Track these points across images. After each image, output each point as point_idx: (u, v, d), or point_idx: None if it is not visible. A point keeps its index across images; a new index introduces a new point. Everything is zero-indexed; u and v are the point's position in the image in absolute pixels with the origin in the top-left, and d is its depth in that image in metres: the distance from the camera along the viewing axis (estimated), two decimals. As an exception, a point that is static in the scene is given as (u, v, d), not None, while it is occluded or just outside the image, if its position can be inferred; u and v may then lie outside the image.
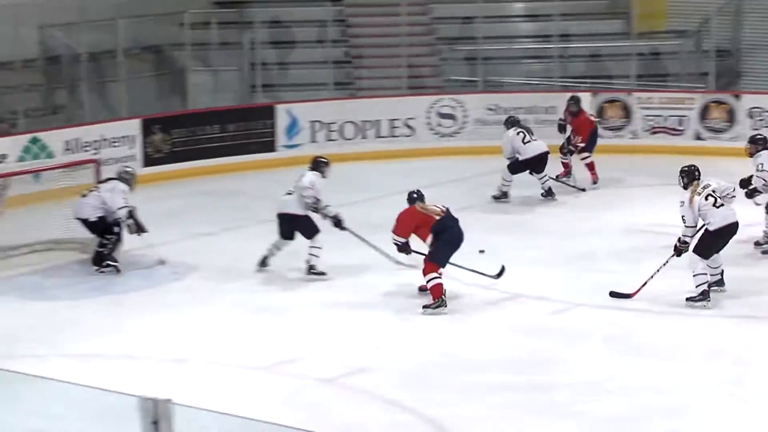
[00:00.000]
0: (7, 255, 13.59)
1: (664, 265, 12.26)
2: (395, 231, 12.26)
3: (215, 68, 19.75)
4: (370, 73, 20.32)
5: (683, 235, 12.12)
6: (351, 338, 11.45)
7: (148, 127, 17.79)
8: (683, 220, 12.07)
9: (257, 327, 11.75)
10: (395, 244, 12.31)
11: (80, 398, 8.95)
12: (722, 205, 12.04)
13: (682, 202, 12.10)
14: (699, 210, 12.01)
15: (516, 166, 16.31)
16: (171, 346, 11.23)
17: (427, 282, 12.01)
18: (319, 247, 13.05)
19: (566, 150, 17.09)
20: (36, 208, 13.88)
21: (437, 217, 12.12)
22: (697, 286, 11.98)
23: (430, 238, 12.09)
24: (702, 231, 12.09)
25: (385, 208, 15.11)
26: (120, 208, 13.12)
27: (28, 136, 16.72)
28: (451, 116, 19.55)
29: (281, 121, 18.90)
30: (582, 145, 17.04)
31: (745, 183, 13.77)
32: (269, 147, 18.79)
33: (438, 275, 12.00)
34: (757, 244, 13.83)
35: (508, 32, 21.39)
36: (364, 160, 18.42)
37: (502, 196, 16.32)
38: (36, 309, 12.31)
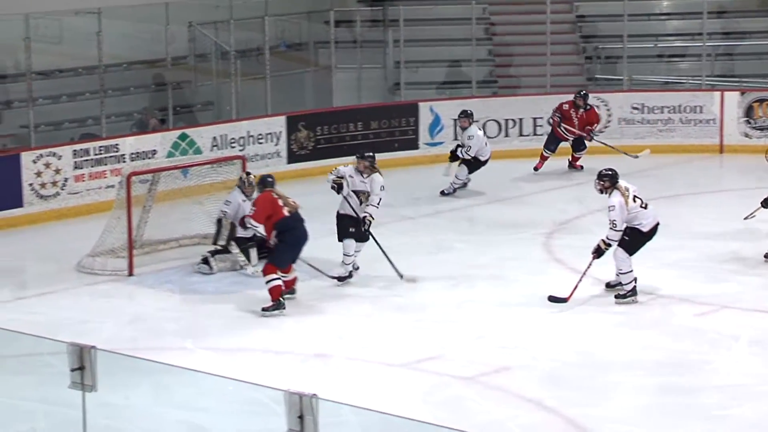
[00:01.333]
0: (156, 249, 13.94)
1: (589, 267, 12.15)
2: (253, 216, 12.08)
3: (359, 66, 19.93)
4: (514, 71, 20.28)
5: (609, 239, 12.07)
6: (490, 337, 11.48)
7: (292, 124, 18.04)
8: (614, 224, 11.98)
9: (397, 324, 11.86)
10: (254, 228, 12.14)
11: (226, 391, 9.17)
12: (647, 205, 12.14)
13: (613, 206, 12.01)
14: (629, 212, 12.01)
15: (474, 166, 16.54)
16: (313, 341, 11.40)
17: (267, 283, 11.89)
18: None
19: (589, 138, 17.64)
20: (183, 203, 14.18)
21: (285, 213, 11.97)
22: (626, 284, 12.09)
23: (273, 235, 11.97)
24: (629, 231, 12.08)
25: (525, 206, 15.18)
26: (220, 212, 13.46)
27: (177, 132, 17.13)
28: (595, 115, 19.40)
29: (424, 118, 18.99)
30: (597, 127, 17.73)
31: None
32: (412, 145, 18.90)
33: (277, 277, 11.91)
34: None
35: (655, 30, 21.15)
36: (506, 159, 18.40)
37: (452, 193, 16.60)
38: (183, 303, 12.59)
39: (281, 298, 11.95)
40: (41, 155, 15.87)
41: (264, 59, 18.40)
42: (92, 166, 16.22)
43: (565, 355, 10.96)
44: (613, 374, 10.48)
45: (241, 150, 17.09)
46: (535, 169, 17.71)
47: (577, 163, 17.94)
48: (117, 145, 16.49)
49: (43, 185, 15.84)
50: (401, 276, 12.89)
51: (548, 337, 11.49)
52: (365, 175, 13.01)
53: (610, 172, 12.24)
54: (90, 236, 13.73)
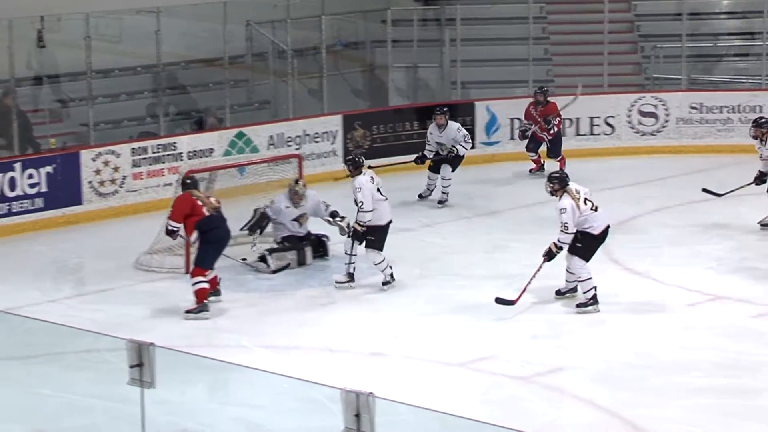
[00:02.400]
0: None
1: (539, 270, 12.04)
2: (170, 217, 12.16)
3: (416, 65, 19.92)
4: (570, 71, 20.18)
5: (561, 241, 11.93)
6: (545, 337, 11.45)
7: (349, 123, 18.07)
8: (565, 227, 11.84)
9: (453, 323, 11.84)
10: (169, 229, 12.17)
11: (282, 389, 9.21)
12: (598, 208, 11.98)
13: (564, 208, 11.88)
14: (581, 215, 11.87)
15: (456, 164, 16.23)
16: (369, 340, 11.41)
17: (193, 285, 11.94)
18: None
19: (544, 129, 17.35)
20: (240, 201, 14.24)
21: (206, 213, 12.03)
22: (585, 292, 11.92)
23: (195, 235, 12.04)
24: (581, 235, 11.94)
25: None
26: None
27: (234, 130, 17.21)
28: (652, 114, 19.28)
29: (480, 118, 18.96)
30: (558, 122, 17.45)
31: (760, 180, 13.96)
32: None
33: (204, 278, 11.95)
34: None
35: (714, 29, 20.97)
36: (563, 158, 18.35)
37: (446, 200, 16.18)
38: (239, 300, 12.65)
39: (206, 301, 12.01)
40: (100, 153, 16.02)
41: (320, 58, 18.44)
42: (150, 164, 16.34)
43: (621, 356, 10.90)
44: (669, 375, 10.41)
45: (297, 149, 17.14)
46: (530, 171, 17.65)
47: (537, 165, 17.67)
48: (175, 143, 16.60)
49: (102, 183, 15.98)
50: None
51: (603, 337, 11.44)
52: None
53: (559, 175, 12.19)
54: (148, 234, 13.82)
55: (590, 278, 11.92)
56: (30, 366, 10.47)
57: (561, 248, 11.97)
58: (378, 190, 12.84)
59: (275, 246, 13.70)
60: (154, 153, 16.36)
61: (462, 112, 18.68)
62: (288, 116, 18.06)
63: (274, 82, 18.89)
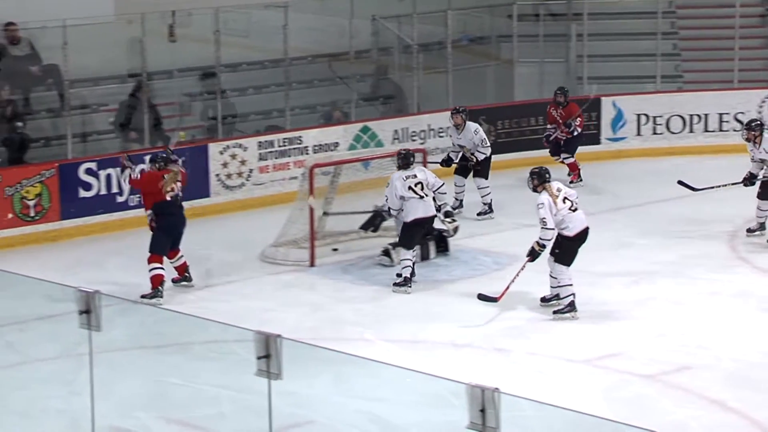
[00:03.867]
0: (337, 240, 14.10)
1: (522, 269, 11.81)
2: (132, 182, 12.99)
3: (541, 60, 19.79)
4: (699, 66, 19.87)
5: (542, 239, 11.67)
6: (671, 335, 11.30)
7: (473, 118, 17.98)
8: (543, 222, 11.58)
9: (577, 320, 11.74)
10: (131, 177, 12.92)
11: (405, 383, 9.24)
12: (577, 209, 11.68)
13: (542, 204, 11.64)
14: (558, 213, 11.59)
15: (485, 170, 15.61)
16: (494, 336, 11.38)
17: (149, 271, 12.22)
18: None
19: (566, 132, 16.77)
20: (365, 195, 14.30)
21: (167, 197, 12.39)
22: (563, 298, 11.64)
23: (150, 213, 12.46)
24: (559, 239, 11.68)
25: (709, 203, 14.85)
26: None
27: (360, 125, 17.29)
28: (784, 110, 18.90)
29: (606, 113, 18.76)
30: (579, 123, 16.80)
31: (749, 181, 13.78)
32: (593, 139, 18.68)
33: (160, 266, 12.22)
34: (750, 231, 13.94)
35: None
36: (691, 155, 18.09)
37: (488, 212, 15.57)
38: (363, 294, 12.70)
39: (160, 287, 12.24)
40: (228, 146, 16.22)
41: (446, 53, 18.42)
42: (276, 158, 16.50)
43: (750, 355, 10.72)
44: (800, 377, 10.21)
45: (422, 143, 17.15)
46: (571, 182, 16.66)
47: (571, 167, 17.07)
48: (300, 137, 16.74)
49: (229, 176, 16.19)
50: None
51: (731, 336, 11.25)
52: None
53: (538, 170, 11.94)
54: (273, 227, 13.96)
55: (570, 284, 11.71)
56: (160, 355, 10.68)
57: (543, 246, 11.76)
58: (411, 188, 12.79)
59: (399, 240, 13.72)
60: (280, 146, 16.52)
61: (588, 108, 18.51)
62: (413, 111, 18.08)
63: (400, 76, 18.92)
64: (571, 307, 11.74)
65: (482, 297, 12.00)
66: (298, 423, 8.99)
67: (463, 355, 10.96)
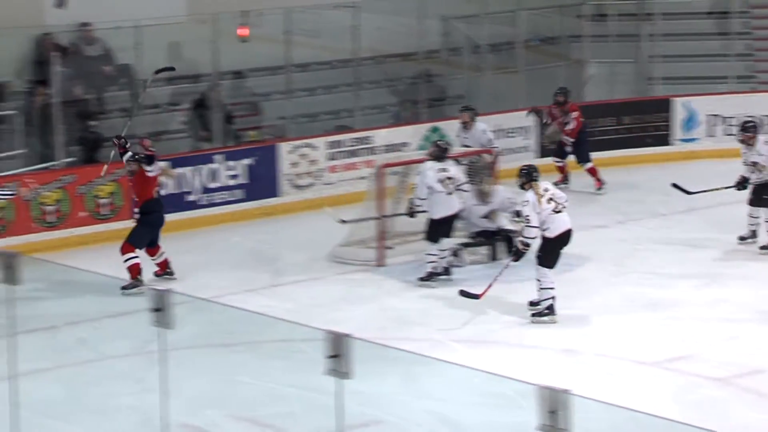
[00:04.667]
0: (406, 240, 14.09)
1: (506, 267, 11.79)
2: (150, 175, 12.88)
3: (612, 60, 19.66)
4: (773, 67, 19.68)
5: (526, 237, 11.56)
6: (743, 338, 11.19)
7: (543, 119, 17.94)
8: (527, 219, 11.50)
9: (648, 321, 11.67)
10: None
11: (473, 383, 9.23)
12: (560, 211, 11.55)
13: (527, 201, 11.55)
14: (541, 212, 11.48)
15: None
16: (562, 337, 11.33)
17: (125, 261, 12.51)
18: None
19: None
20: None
21: (153, 195, 12.77)
22: (541, 301, 11.53)
23: (137, 210, 12.80)
24: (541, 242, 11.58)
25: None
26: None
27: (429, 125, 17.27)
28: None
29: (678, 114, 18.62)
30: (576, 117, 16.45)
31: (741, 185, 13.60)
32: (664, 141, 18.56)
33: (136, 255, 12.55)
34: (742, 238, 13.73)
35: None
36: (763, 156, 17.89)
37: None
38: (431, 294, 12.69)
39: (140, 276, 12.52)
40: (298, 146, 16.29)
41: (516, 53, 18.36)
42: (346, 158, 16.55)
43: (824, 360, 10.59)
44: None
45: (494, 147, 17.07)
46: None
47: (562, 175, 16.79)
48: (370, 137, 16.78)
49: (298, 175, 16.26)
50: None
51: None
52: None
53: (526, 169, 11.88)
54: (342, 226, 14.00)
55: (551, 287, 11.60)
56: (229, 354, 10.76)
57: (527, 244, 11.69)
58: (441, 181, 12.78)
59: (469, 241, 13.72)
60: (349, 146, 16.57)
61: (658, 109, 18.40)
62: (482, 111, 18.02)
63: (469, 77, 18.89)
64: (550, 310, 11.66)
65: (463, 293, 12.00)
66: (366, 423, 9.00)
67: (531, 356, 10.92)
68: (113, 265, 12.83)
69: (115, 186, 14.90)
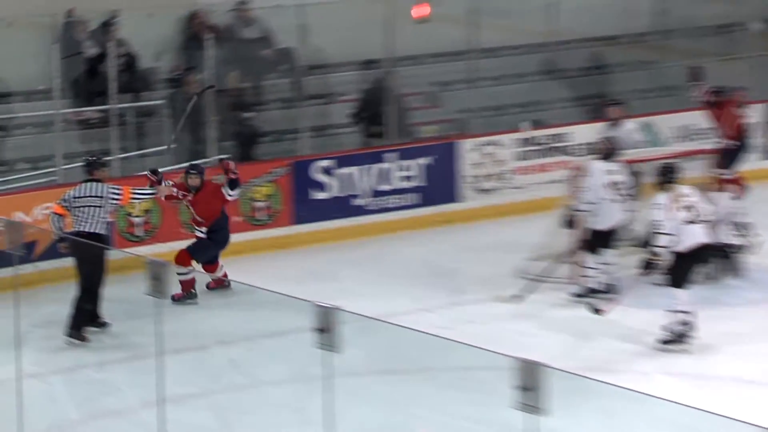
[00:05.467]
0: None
1: (636, 281, 11.75)
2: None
3: None
4: None
5: (655, 245, 11.43)
6: None
7: (774, 113, 17.66)
8: (659, 226, 11.37)
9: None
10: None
11: (684, 422, 9.13)
12: (697, 223, 11.42)
13: (659, 204, 11.43)
14: (671, 220, 11.36)
15: None
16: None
17: (180, 274, 13.12)
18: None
19: None
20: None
21: (221, 213, 13.41)
22: (670, 324, 11.41)
23: (204, 226, 13.32)
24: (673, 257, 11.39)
25: None
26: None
27: (641, 119, 16.89)
28: None
29: None
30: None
31: None
32: None
33: (193, 269, 13.18)
34: None
35: None
36: None
37: None
38: (636, 318, 12.53)
39: (193, 290, 13.26)
40: (482, 144, 16.33)
41: (741, 36, 18.11)
42: (538, 158, 16.52)
43: None
44: None
45: (704, 144, 16.80)
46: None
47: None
48: (568, 134, 16.71)
49: (482, 178, 16.29)
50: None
51: None
52: None
53: (664, 166, 11.96)
54: (533, 237, 13.98)
55: (683, 311, 11.50)
56: (401, 382, 10.86)
57: (657, 254, 11.55)
58: (609, 185, 12.74)
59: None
60: (543, 144, 16.53)
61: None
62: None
63: (686, 64, 18.64)
64: (682, 338, 11.59)
65: (590, 308, 12.14)
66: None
67: (754, 393, 10.77)
68: (270, 277, 13.05)
69: (272, 187, 15.16)
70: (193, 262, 13.36)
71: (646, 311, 12.63)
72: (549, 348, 11.72)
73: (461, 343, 10.74)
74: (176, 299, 13.10)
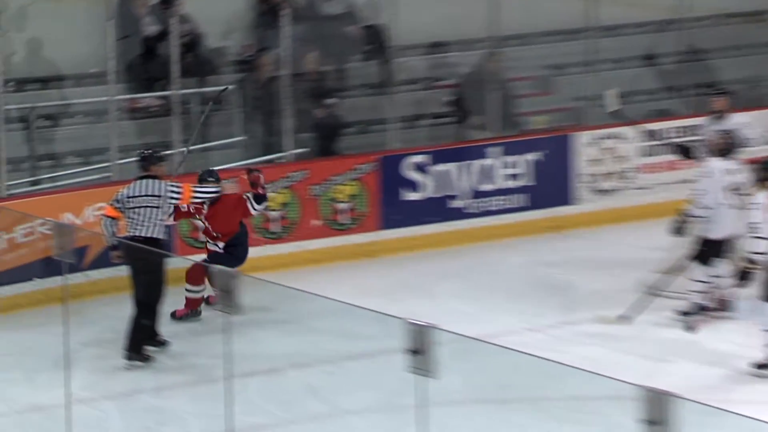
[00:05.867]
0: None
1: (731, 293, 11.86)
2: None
3: None
4: None
5: (752, 251, 11.41)
6: None
7: None
8: (757, 229, 11.36)
9: None
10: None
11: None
12: None
13: (756, 204, 11.44)
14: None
15: None
16: None
17: (188, 291, 13.29)
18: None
19: None
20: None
21: (239, 227, 13.50)
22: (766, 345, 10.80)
23: (221, 241, 13.43)
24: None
25: None
26: None
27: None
28: None
29: None
30: None
31: None
32: None
33: (204, 288, 13.24)
34: None
35: None
36: None
37: None
38: None
39: (199, 308, 13.39)
40: (600, 137, 16.27)
41: None
42: (666, 154, 16.41)
43: None
44: None
45: None
46: None
47: None
48: (701, 125, 16.55)
49: (601, 177, 16.24)
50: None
51: None
52: None
53: (765, 163, 11.88)
54: (660, 245, 13.90)
55: None
56: (506, 412, 10.85)
57: (754, 261, 11.51)
58: (728, 189, 12.72)
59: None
60: (672, 138, 16.42)
61: None
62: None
63: None
64: None
65: (685, 326, 12.36)
66: None
67: None
68: (352, 290, 13.10)
69: (357, 187, 15.19)
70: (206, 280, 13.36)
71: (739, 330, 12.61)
72: (679, 374, 11.70)
73: (575, 368, 10.72)
74: (177, 317, 13.26)
